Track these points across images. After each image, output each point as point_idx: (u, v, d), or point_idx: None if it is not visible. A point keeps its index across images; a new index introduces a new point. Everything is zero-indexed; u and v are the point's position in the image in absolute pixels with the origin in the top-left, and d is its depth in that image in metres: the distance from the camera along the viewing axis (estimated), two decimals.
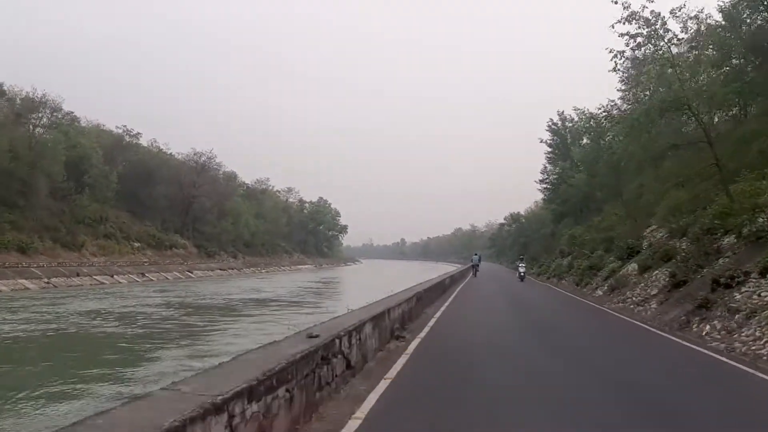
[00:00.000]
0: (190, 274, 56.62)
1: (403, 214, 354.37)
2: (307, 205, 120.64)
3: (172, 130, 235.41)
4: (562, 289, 29.11)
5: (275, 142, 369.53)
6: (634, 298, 17.48)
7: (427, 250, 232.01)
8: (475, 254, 49.32)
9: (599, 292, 22.29)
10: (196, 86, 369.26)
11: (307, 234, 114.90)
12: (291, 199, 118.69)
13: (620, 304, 18.15)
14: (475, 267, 45.22)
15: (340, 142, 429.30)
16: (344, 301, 31.45)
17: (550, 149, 51.80)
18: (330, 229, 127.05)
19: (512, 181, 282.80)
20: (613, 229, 26.10)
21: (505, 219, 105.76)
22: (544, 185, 53.26)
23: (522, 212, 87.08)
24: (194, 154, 76.19)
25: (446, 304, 19.26)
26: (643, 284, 17.95)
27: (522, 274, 35.39)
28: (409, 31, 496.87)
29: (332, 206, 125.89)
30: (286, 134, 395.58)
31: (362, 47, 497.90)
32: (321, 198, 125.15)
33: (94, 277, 45.11)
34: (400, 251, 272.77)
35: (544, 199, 54.86)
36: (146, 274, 50.38)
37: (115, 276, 47.03)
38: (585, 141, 44.86)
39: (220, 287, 43.62)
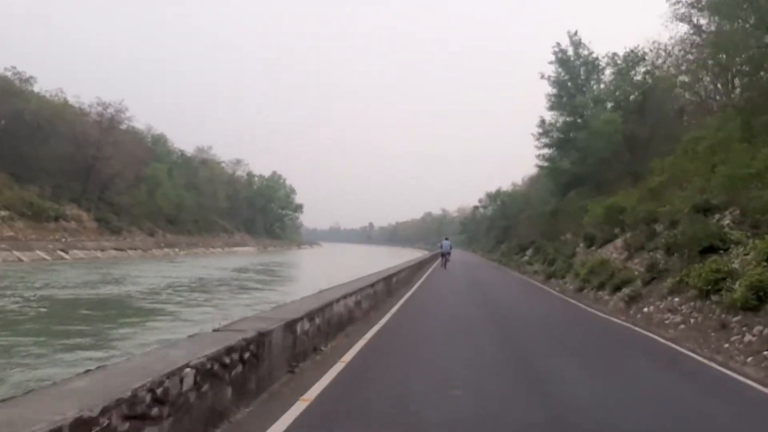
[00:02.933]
0: (63, 254, 42.21)
1: (372, 197, 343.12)
2: (256, 179, 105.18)
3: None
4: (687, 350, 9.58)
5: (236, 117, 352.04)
6: None
7: (395, 235, 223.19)
8: (445, 239, 38.32)
9: None
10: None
11: (255, 212, 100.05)
12: (239, 173, 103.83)
13: None
14: (444, 255, 35.05)
15: (311, 124, 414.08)
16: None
17: (554, 90, 36.22)
18: (283, 207, 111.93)
19: (488, 162, 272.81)
20: None
21: (480, 200, 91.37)
22: (544, 142, 37.55)
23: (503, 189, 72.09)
24: (98, 105, 60.94)
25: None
26: None
27: None
28: (388, 16, 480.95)
29: (287, 182, 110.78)
30: (254, 111, 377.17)
31: (334, 29, 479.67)
32: (274, 172, 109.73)
33: None
34: (367, 235, 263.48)
35: (541, 165, 39.50)
36: None
37: None
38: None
39: (75, 276, 29.75)
